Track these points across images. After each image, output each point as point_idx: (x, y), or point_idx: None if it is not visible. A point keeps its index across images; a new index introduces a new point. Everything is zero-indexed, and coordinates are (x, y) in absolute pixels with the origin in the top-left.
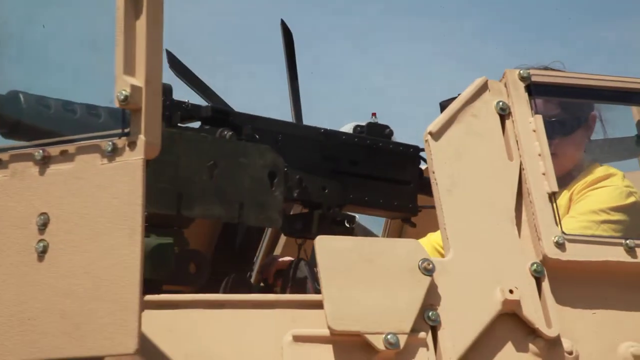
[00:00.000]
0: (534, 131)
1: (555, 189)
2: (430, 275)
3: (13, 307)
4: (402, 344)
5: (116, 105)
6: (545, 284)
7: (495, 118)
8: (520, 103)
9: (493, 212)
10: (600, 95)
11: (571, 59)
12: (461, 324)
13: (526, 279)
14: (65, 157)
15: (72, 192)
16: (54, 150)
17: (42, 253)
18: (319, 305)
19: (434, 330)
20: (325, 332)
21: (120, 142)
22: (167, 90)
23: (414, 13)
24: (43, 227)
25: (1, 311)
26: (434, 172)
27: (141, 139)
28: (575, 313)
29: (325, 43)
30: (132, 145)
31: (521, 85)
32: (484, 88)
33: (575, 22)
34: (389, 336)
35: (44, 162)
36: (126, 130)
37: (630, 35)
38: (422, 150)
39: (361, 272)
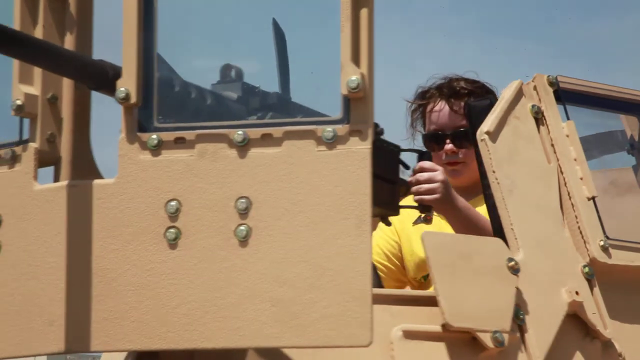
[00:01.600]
0: (567, 136)
1: (595, 193)
2: (517, 275)
3: (208, 292)
4: (506, 342)
5: (343, 92)
6: (596, 287)
7: (532, 121)
8: (551, 108)
9: (545, 214)
10: (624, 106)
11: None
12: (541, 324)
13: (581, 281)
14: (268, 140)
15: (280, 177)
16: (254, 133)
17: (243, 238)
18: (415, 301)
19: (521, 330)
20: (434, 328)
21: (342, 129)
22: (240, 75)
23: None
24: (244, 211)
25: (194, 296)
26: (494, 172)
27: (367, 127)
28: (619, 316)
29: None
30: (355, 133)
31: (550, 90)
32: (520, 91)
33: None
34: (497, 334)
35: (244, 145)
36: (338, 118)
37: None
38: (403, 150)
39: (463, 269)
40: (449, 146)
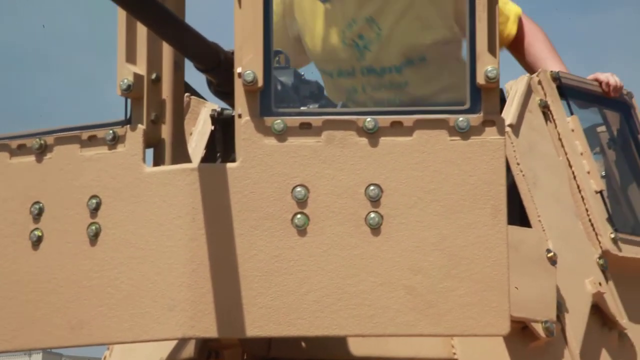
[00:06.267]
0: (573, 130)
1: (602, 187)
2: (555, 266)
3: (339, 280)
4: (555, 332)
5: (480, 82)
6: (610, 278)
7: (541, 115)
8: (556, 102)
9: (563, 206)
10: (609, 103)
11: None
12: (574, 315)
13: (598, 273)
14: (398, 128)
15: (412, 166)
16: (383, 121)
17: (375, 225)
18: None
19: (559, 320)
20: None
21: (475, 119)
22: (289, 61)
23: None
24: (375, 198)
25: (325, 282)
26: (518, 164)
27: (500, 118)
28: (629, 307)
29: None
30: (489, 123)
31: (554, 86)
32: (529, 85)
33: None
34: (548, 324)
35: (374, 132)
36: (466, 107)
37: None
38: None
39: (512, 259)
40: None
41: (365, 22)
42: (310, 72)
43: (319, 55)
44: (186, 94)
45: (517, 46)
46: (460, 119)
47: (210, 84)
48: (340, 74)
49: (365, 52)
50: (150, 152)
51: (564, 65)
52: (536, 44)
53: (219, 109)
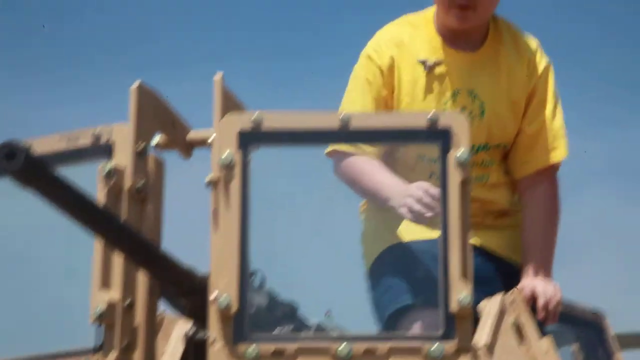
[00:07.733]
0: (547, 352)
1: None
2: None
3: None
4: None
5: (453, 310)
6: None
7: (513, 336)
8: (529, 323)
9: None
10: (592, 329)
11: None
12: None
13: None
14: (371, 356)
15: None
16: (357, 348)
17: None
18: None
19: None
20: None
21: (450, 347)
22: (265, 282)
23: None
24: None
25: None
26: None
27: (473, 347)
28: None
29: None
30: (462, 352)
31: (527, 306)
32: (502, 305)
33: None
34: None
35: None
36: (439, 334)
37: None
38: None
39: None
40: None
41: (468, 95)
42: (285, 292)
43: None
44: (160, 312)
45: (525, 192)
46: (434, 348)
47: (184, 307)
48: None
49: None
50: None
51: (550, 267)
52: (539, 221)
53: (192, 329)
